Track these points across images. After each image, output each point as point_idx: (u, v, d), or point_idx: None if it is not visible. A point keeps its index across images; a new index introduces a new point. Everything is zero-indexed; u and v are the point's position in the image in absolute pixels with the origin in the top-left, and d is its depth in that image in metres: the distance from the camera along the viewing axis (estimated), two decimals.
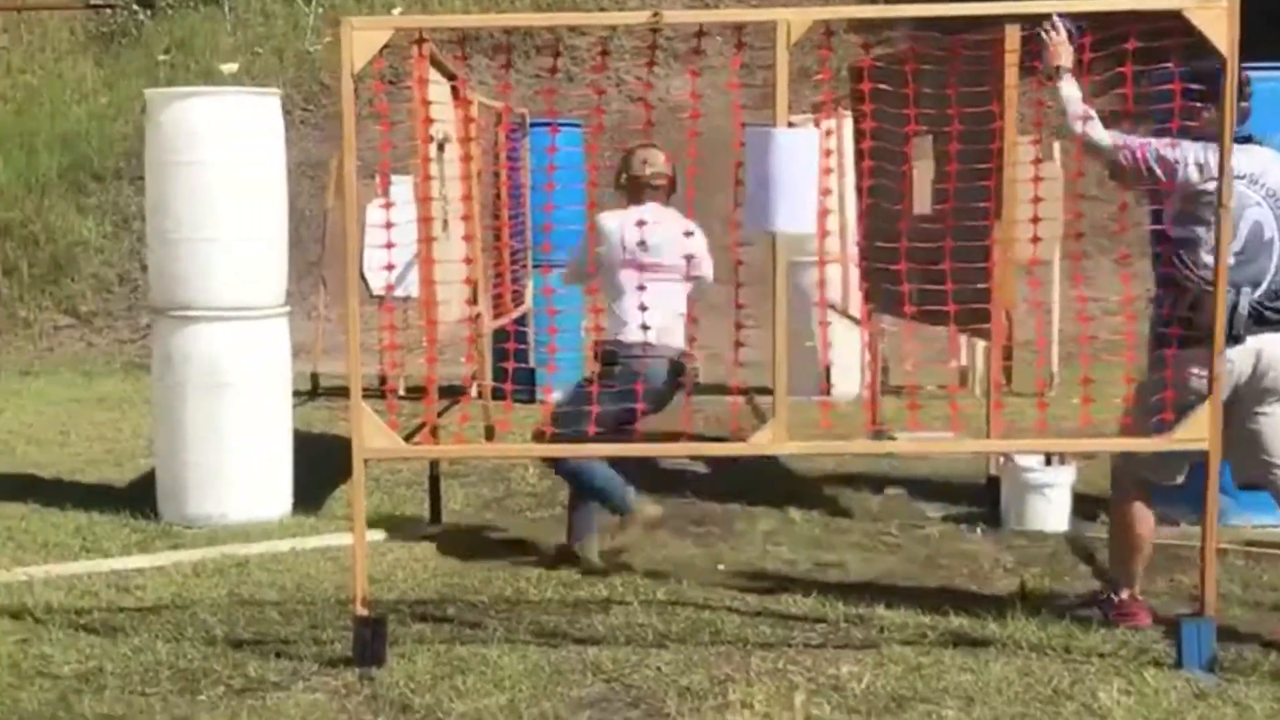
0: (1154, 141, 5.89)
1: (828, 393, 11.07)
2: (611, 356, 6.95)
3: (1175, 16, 5.39)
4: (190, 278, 8.25)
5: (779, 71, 5.52)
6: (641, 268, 6.85)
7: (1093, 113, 5.90)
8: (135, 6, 19.95)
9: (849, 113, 8.90)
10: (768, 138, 5.56)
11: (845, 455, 8.83)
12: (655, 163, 7.13)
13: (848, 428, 9.22)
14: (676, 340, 6.96)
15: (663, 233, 6.86)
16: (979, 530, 7.84)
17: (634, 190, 7.16)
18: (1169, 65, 5.75)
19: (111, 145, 18.47)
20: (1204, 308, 5.72)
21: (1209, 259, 5.74)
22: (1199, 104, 5.78)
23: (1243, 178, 5.82)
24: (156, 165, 8.40)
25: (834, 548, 7.59)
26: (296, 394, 8.85)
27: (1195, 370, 5.77)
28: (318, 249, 12.82)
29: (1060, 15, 5.86)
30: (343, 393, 12.48)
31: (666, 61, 17.62)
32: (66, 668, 5.83)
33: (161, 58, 19.49)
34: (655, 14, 5.51)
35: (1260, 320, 5.86)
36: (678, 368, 6.95)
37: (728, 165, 5.73)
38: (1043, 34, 5.90)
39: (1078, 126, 5.90)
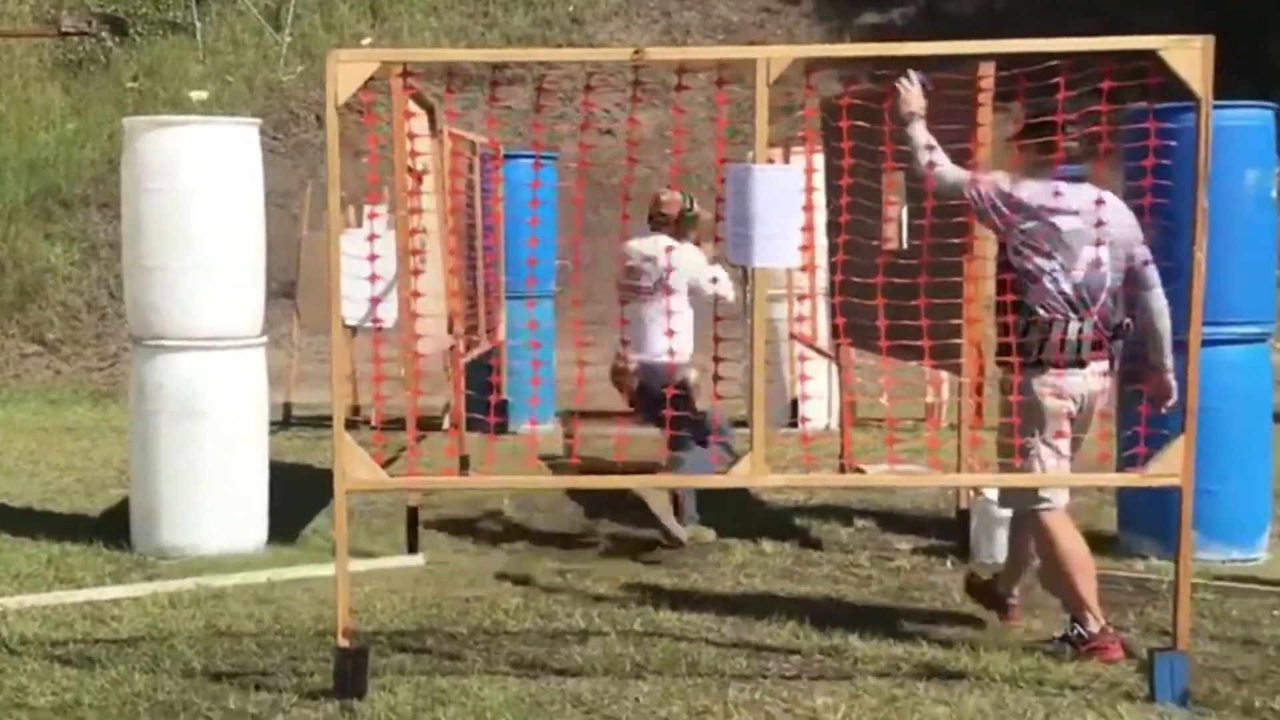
0: (1000, 180, 6.18)
1: (795, 424, 11.13)
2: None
3: (1149, 57, 5.48)
4: (167, 306, 8.22)
5: (759, 109, 5.58)
6: (626, 289, 8.19)
7: (939, 155, 6.24)
8: (104, 34, 19.93)
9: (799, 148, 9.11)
10: (748, 174, 5.63)
11: (818, 488, 8.89)
12: (661, 201, 8.25)
13: (817, 460, 9.25)
14: (646, 353, 8.03)
15: (638, 259, 8.17)
16: (949, 563, 7.88)
17: (652, 225, 8.26)
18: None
19: (80, 172, 18.43)
20: (1049, 333, 6.04)
21: (1050, 288, 6.04)
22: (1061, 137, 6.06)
23: (1076, 213, 6.07)
24: (133, 193, 8.38)
25: (806, 579, 7.63)
26: (269, 423, 8.81)
27: (1046, 390, 6.10)
28: (288, 278, 12.81)
29: (914, 70, 6.27)
30: (315, 422, 12.53)
31: (641, 96, 17.64)
32: (43, 699, 5.81)
33: (130, 85, 19.48)
34: (638, 51, 5.61)
35: (1097, 346, 6.13)
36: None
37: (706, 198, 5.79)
38: (900, 85, 6.28)
39: (924, 163, 6.26)
